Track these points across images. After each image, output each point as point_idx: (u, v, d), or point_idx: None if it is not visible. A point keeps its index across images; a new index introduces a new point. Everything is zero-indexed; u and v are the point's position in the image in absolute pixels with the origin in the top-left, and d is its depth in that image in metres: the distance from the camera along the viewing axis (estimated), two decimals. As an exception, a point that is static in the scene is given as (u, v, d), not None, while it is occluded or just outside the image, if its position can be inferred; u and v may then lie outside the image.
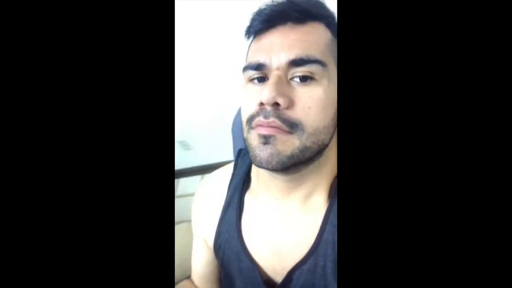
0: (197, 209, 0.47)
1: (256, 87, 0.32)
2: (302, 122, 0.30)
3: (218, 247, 0.42)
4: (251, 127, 0.32)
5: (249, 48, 0.35)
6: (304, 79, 0.30)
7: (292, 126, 0.30)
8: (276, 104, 0.30)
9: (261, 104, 0.30)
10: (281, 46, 0.30)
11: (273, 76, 0.30)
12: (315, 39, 0.31)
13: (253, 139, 0.32)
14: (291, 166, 0.31)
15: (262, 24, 0.32)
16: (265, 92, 0.29)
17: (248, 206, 0.40)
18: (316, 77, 0.30)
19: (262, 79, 0.32)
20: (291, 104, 0.30)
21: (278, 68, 0.30)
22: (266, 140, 0.30)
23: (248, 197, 0.40)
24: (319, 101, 0.30)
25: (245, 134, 0.34)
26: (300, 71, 0.30)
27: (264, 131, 0.30)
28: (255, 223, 0.39)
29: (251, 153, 0.32)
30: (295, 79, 0.30)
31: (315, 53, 0.30)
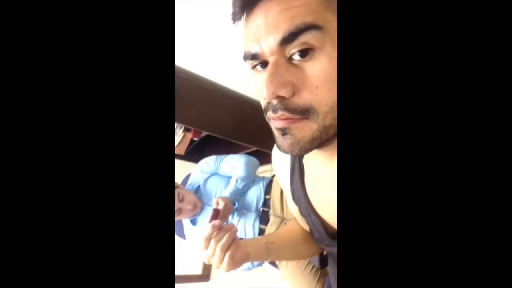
0: (275, 171, 0.55)
1: (260, 75, 0.30)
2: (312, 105, 0.28)
3: (296, 203, 0.49)
4: (268, 117, 0.32)
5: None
6: (304, 53, 0.27)
7: (304, 113, 0.28)
8: (280, 96, 0.28)
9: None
10: (266, 27, 0.27)
11: (269, 66, 0.28)
12: (302, 2, 0.26)
13: (273, 128, 0.32)
14: (319, 145, 0.30)
15: (242, 6, 0.29)
16: (264, 90, 0.27)
17: (307, 169, 0.44)
18: (316, 45, 0.26)
19: (264, 64, 0.30)
20: (296, 90, 0.27)
21: (272, 54, 0.28)
22: (283, 131, 0.30)
23: (306, 162, 0.44)
24: (325, 76, 0.27)
25: (267, 120, 0.33)
26: (295, 46, 0.26)
27: (278, 124, 0.30)
28: (315, 184, 0.43)
29: (275, 142, 0.32)
30: (294, 56, 0.27)
31: (306, 18, 0.26)
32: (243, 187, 0.94)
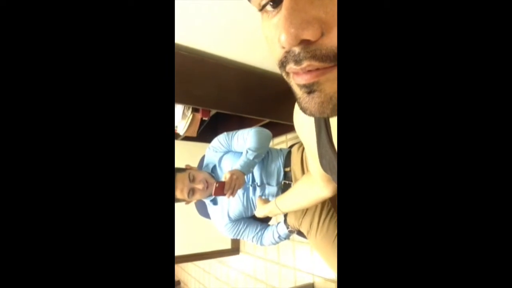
0: (299, 134, 0.51)
1: (272, 19, 0.24)
2: None
3: (325, 167, 0.45)
4: (286, 73, 0.25)
5: None
6: None
7: (336, 56, 0.21)
8: (305, 41, 0.21)
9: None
10: None
11: (285, 1, 0.21)
12: None
13: (294, 87, 0.25)
14: None
15: None
16: (282, 34, 0.21)
17: (334, 128, 0.40)
18: None
19: (277, 2, 0.23)
20: (325, 28, 0.20)
21: None
22: (309, 88, 0.23)
23: (332, 121, 0.40)
24: None
25: (285, 77, 0.26)
26: None
27: (302, 80, 0.23)
28: None
29: (298, 104, 0.25)
30: None
31: None
32: (254, 158, 0.90)
